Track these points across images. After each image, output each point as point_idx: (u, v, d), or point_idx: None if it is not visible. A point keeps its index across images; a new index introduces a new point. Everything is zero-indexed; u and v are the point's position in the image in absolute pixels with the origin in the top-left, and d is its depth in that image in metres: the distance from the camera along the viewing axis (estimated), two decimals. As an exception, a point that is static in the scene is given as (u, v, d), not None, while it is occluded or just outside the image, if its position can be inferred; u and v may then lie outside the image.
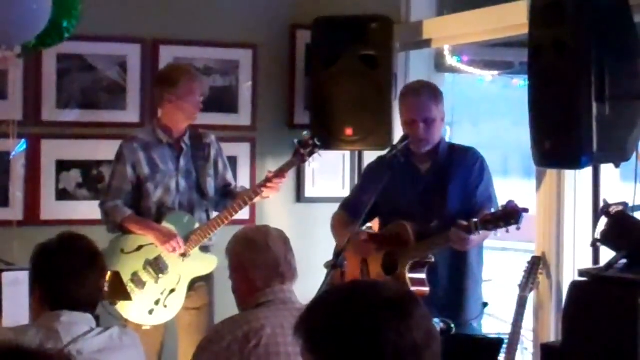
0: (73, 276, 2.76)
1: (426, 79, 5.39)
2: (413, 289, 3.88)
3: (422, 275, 3.97)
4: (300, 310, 2.74)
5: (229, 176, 4.76)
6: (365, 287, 1.81)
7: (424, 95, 4.11)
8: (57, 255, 2.79)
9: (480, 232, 3.75)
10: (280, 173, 4.55)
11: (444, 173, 4.12)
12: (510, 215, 3.66)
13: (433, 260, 3.98)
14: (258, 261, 2.91)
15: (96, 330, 2.76)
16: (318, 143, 4.61)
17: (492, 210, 3.94)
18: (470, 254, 4.09)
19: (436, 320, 4.00)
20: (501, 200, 4.15)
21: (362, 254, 4.18)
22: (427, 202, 4.09)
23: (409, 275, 3.95)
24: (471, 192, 4.08)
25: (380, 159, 4.33)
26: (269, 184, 4.52)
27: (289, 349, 2.71)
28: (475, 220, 3.74)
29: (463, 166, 4.12)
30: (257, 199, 4.60)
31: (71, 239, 2.86)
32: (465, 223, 3.76)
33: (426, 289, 3.96)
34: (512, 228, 3.71)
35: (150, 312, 4.44)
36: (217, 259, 4.54)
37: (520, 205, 3.70)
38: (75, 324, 2.73)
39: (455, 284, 4.10)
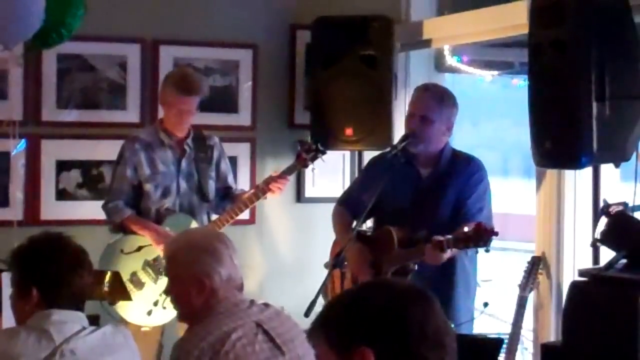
0: (69, 273, 2.76)
1: (426, 79, 5.40)
2: None
3: None
4: (253, 307, 2.75)
5: (230, 179, 4.76)
6: (382, 280, 1.85)
7: (429, 94, 4.08)
8: (51, 254, 2.78)
9: (452, 250, 3.75)
10: (282, 177, 4.55)
11: (443, 181, 4.08)
12: (479, 237, 3.63)
13: (415, 268, 3.94)
14: (224, 274, 2.80)
15: (88, 329, 2.74)
16: (321, 148, 4.62)
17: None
18: (457, 263, 4.05)
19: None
20: (500, 206, 4.14)
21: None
22: (419, 207, 4.07)
23: None
24: (463, 201, 4.04)
25: (381, 156, 4.31)
26: (271, 186, 4.52)
27: (256, 347, 2.71)
28: (448, 237, 3.72)
29: (462, 176, 4.08)
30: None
31: (56, 237, 2.84)
32: (440, 239, 3.73)
33: None
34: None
35: (149, 313, 4.44)
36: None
37: (490, 227, 3.67)
38: (66, 323, 2.71)
39: (443, 292, 4.04)
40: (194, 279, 2.80)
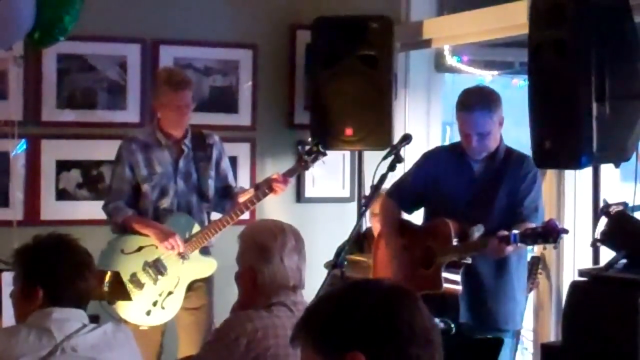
0: (75, 274, 2.76)
1: (426, 79, 5.40)
2: (445, 285, 3.95)
3: (457, 276, 3.99)
4: None
5: (230, 178, 4.76)
6: (367, 281, 1.82)
7: (477, 111, 4.04)
8: (59, 255, 2.77)
9: (518, 244, 3.79)
10: (283, 179, 4.55)
11: (497, 178, 4.10)
12: (549, 234, 3.68)
13: (470, 262, 3.99)
14: (267, 273, 2.84)
15: (89, 327, 2.74)
16: (322, 150, 4.62)
17: (535, 224, 3.97)
18: (510, 263, 4.07)
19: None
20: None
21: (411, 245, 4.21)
22: (475, 203, 4.09)
23: (444, 273, 3.96)
24: (519, 201, 4.05)
25: (436, 149, 4.51)
26: (274, 186, 4.52)
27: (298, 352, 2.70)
28: (515, 232, 3.76)
29: (516, 174, 4.09)
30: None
31: (63, 238, 2.84)
32: (505, 233, 3.77)
33: (458, 287, 3.98)
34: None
35: (148, 313, 4.44)
36: (216, 262, 4.54)
37: (560, 225, 3.74)
38: (67, 321, 2.71)
39: (495, 288, 4.07)
40: (245, 269, 2.90)
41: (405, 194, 4.27)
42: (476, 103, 4.08)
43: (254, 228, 3.08)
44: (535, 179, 4.10)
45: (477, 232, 3.98)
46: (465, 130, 4.10)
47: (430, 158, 4.34)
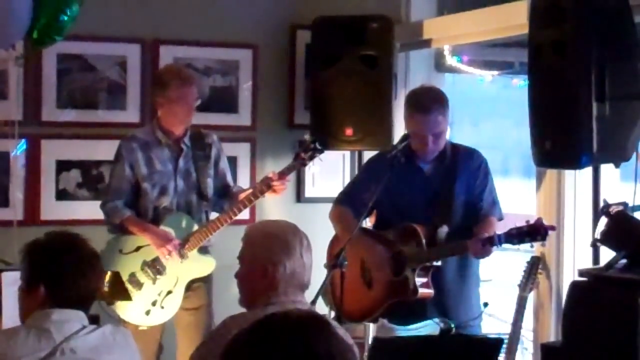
0: (79, 275, 2.75)
1: (426, 79, 5.40)
2: (421, 291, 3.95)
3: (426, 279, 4.00)
4: None
5: (229, 177, 4.76)
6: (273, 317, 1.78)
7: (433, 113, 4.01)
8: (63, 255, 2.77)
9: (504, 245, 3.81)
10: (281, 177, 4.54)
11: (449, 176, 4.10)
12: (537, 232, 3.72)
13: (439, 264, 3.99)
14: (289, 267, 2.84)
15: (88, 328, 2.74)
16: (319, 147, 4.61)
17: (497, 214, 4.04)
18: (471, 261, 4.08)
19: (436, 320, 4.03)
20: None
21: (366, 257, 4.17)
22: (433, 205, 4.07)
23: (417, 278, 3.96)
24: (476, 196, 4.08)
25: (380, 156, 4.32)
26: (275, 187, 4.51)
27: None
28: (499, 233, 3.78)
29: (467, 169, 4.11)
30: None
31: (72, 238, 2.83)
32: (486, 235, 3.80)
33: (431, 291, 4.00)
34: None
35: (147, 312, 4.44)
36: (215, 261, 4.54)
37: (546, 223, 3.77)
38: (66, 322, 2.70)
39: (459, 285, 4.11)
40: (260, 264, 2.85)
41: (355, 200, 4.20)
42: (432, 104, 4.04)
43: (267, 225, 3.09)
44: (487, 170, 4.15)
45: (442, 233, 3.99)
46: (421, 132, 4.04)
47: (375, 164, 4.28)
